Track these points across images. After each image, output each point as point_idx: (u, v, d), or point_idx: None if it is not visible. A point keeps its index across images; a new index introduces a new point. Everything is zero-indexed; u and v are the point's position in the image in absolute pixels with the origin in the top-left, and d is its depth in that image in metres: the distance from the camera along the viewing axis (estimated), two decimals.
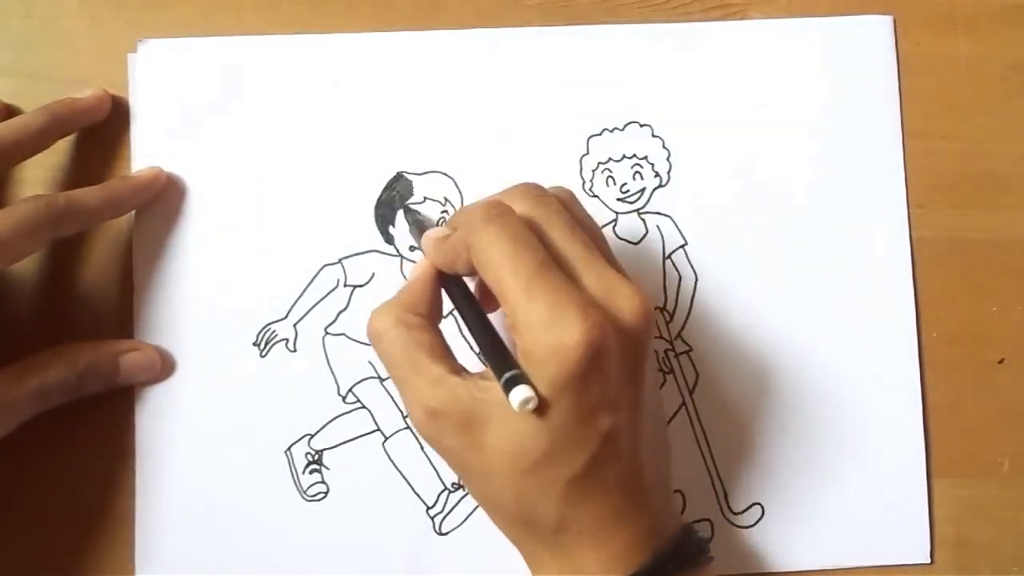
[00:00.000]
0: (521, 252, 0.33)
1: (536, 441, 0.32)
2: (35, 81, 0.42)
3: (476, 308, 0.35)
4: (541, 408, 0.32)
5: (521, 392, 0.31)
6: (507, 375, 0.32)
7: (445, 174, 0.43)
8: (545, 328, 0.32)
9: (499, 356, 0.33)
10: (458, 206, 0.42)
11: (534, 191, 0.36)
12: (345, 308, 0.42)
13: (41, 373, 0.38)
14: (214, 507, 0.41)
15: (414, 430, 0.41)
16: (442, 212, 0.42)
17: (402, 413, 0.42)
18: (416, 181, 0.43)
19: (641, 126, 0.43)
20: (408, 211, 0.42)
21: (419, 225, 0.41)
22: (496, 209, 0.34)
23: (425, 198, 0.42)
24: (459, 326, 0.40)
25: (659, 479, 0.36)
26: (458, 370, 0.34)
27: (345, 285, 0.42)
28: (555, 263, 0.33)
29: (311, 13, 0.43)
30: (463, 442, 0.33)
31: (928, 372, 0.43)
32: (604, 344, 0.32)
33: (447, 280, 0.36)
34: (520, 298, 0.32)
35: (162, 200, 0.42)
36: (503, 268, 0.33)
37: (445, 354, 0.35)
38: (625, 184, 0.43)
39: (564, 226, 0.35)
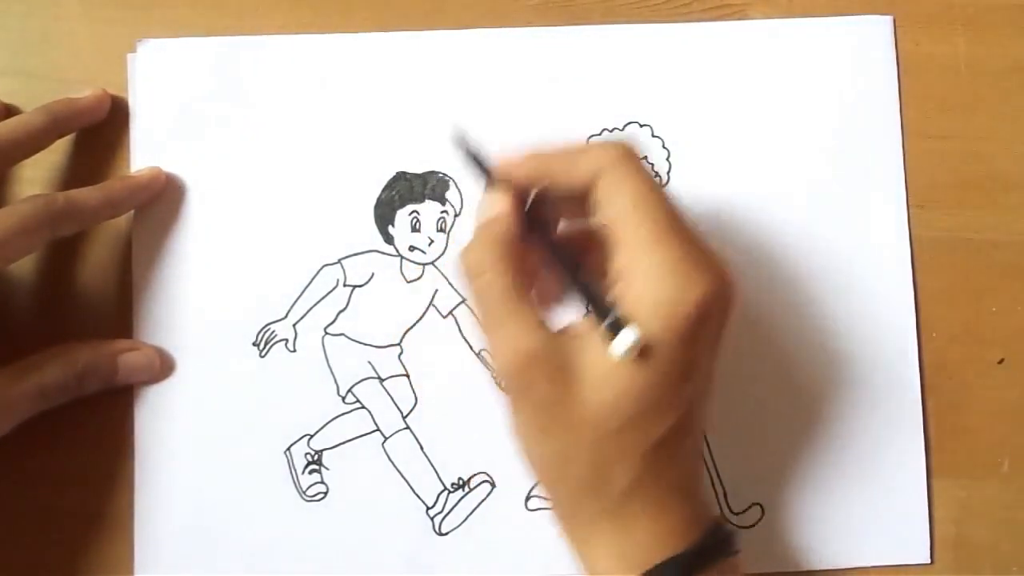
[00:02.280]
0: (660, 195, 0.32)
1: (631, 397, 0.31)
2: (35, 81, 0.42)
3: (567, 251, 0.34)
4: (645, 353, 0.30)
5: (629, 335, 0.30)
6: (611, 318, 0.30)
7: (445, 174, 0.43)
8: (668, 277, 0.30)
9: (602, 299, 0.31)
10: (458, 206, 0.42)
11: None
12: (344, 308, 0.42)
13: (40, 373, 0.38)
14: (214, 507, 0.41)
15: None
16: (441, 212, 0.42)
17: (402, 413, 0.42)
18: (416, 181, 0.43)
19: (641, 126, 0.43)
20: (461, 140, 0.37)
21: (475, 153, 0.36)
22: (634, 150, 0.33)
23: (425, 197, 0.42)
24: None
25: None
26: (547, 321, 0.33)
27: (344, 285, 0.42)
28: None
29: (311, 13, 0.43)
30: (552, 394, 0.32)
31: (928, 372, 0.43)
32: (717, 307, 0.31)
33: (532, 225, 0.34)
34: (647, 240, 0.31)
35: (161, 200, 0.42)
36: (638, 208, 0.31)
37: (536, 302, 0.33)
38: None
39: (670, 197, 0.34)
